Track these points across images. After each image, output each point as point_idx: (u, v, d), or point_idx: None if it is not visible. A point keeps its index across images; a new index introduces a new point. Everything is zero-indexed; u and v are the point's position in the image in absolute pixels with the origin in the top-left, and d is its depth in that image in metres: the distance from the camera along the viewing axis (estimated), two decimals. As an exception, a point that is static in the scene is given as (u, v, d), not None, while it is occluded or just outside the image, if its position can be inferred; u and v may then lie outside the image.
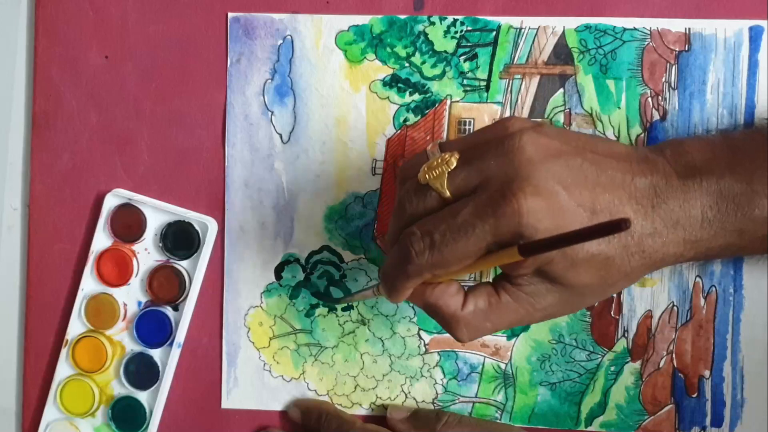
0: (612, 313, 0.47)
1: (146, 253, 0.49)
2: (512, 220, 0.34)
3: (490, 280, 0.39)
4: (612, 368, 0.47)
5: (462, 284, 0.39)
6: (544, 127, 0.38)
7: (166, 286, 0.48)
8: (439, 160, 0.37)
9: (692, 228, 0.38)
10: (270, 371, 0.49)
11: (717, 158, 0.39)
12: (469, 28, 0.47)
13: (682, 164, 0.39)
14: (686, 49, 0.46)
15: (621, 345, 0.47)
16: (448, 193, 0.36)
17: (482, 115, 0.47)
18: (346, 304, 0.48)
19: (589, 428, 0.47)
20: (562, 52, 0.46)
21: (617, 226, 0.29)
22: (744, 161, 0.38)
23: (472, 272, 0.37)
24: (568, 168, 0.36)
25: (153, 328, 0.48)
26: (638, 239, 0.37)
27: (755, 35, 0.45)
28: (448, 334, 0.47)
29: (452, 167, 0.36)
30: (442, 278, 0.38)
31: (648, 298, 0.46)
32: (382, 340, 0.48)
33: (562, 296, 0.38)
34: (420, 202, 0.37)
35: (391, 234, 0.39)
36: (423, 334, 0.48)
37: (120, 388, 0.49)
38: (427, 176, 0.37)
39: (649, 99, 0.46)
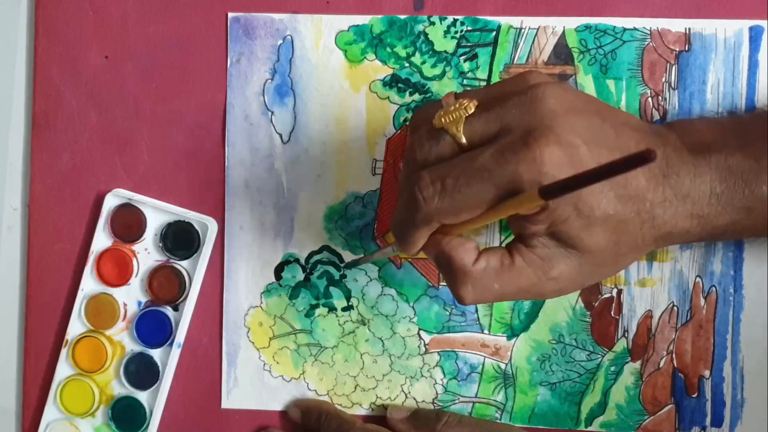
0: (612, 313, 0.47)
1: (146, 253, 0.49)
2: (532, 168, 0.34)
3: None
4: (612, 368, 0.47)
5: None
6: (565, 83, 0.37)
7: (166, 286, 0.48)
8: (457, 105, 0.36)
9: (701, 202, 0.38)
10: (270, 371, 0.49)
11: (726, 137, 0.39)
12: (469, 28, 0.47)
13: (692, 141, 0.39)
14: (686, 49, 0.46)
15: (621, 345, 0.47)
16: (464, 139, 0.36)
17: (482, 115, 0.47)
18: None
19: (589, 428, 0.47)
20: (562, 52, 0.46)
21: (644, 157, 0.28)
22: (753, 140, 0.39)
23: (483, 223, 0.36)
24: (588, 125, 0.36)
25: (153, 328, 0.48)
26: (650, 206, 0.37)
27: (755, 35, 0.45)
28: (448, 334, 0.47)
29: (470, 112, 0.36)
30: (455, 231, 0.37)
31: (648, 298, 0.46)
32: (382, 340, 0.48)
33: (574, 263, 0.37)
34: (432, 146, 0.36)
35: (402, 182, 0.38)
36: (423, 334, 0.48)
37: (120, 388, 0.49)
38: (443, 120, 0.36)
39: (649, 99, 0.46)
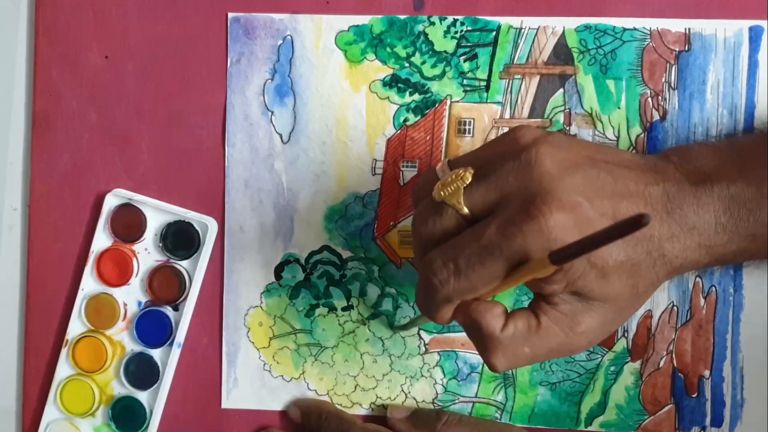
0: (612, 313, 0.47)
1: (146, 253, 0.49)
2: (540, 237, 0.34)
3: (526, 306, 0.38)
4: (612, 368, 0.47)
5: None
6: (555, 136, 0.37)
7: (166, 286, 0.48)
8: (453, 176, 0.36)
9: (707, 233, 0.38)
10: (270, 371, 0.49)
11: (725, 164, 0.39)
12: (469, 28, 0.47)
13: (691, 171, 0.38)
14: (686, 49, 0.46)
15: (621, 345, 0.47)
16: (465, 210, 0.36)
17: (482, 115, 0.47)
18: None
19: (589, 428, 0.47)
20: (562, 52, 0.46)
21: (638, 221, 0.28)
22: (752, 166, 0.38)
23: (501, 291, 0.37)
24: (586, 179, 0.36)
25: (153, 328, 0.48)
26: (658, 244, 0.37)
27: (755, 35, 0.45)
28: (448, 334, 0.47)
29: (467, 182, 0.36)
30: (481, 297, 0.37)
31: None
32: (382, 340, 0.48)
33: (599, 314, 0.37)
34: (437, 221, 0.36)
35: (416, 259, 0.39)
36: (423, 334, 0.48)
37: (120, 388, 0.49)
38: (442, 193, 0.36)
39: (649, 99, 0.46)
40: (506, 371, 0.38)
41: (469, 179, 0.36)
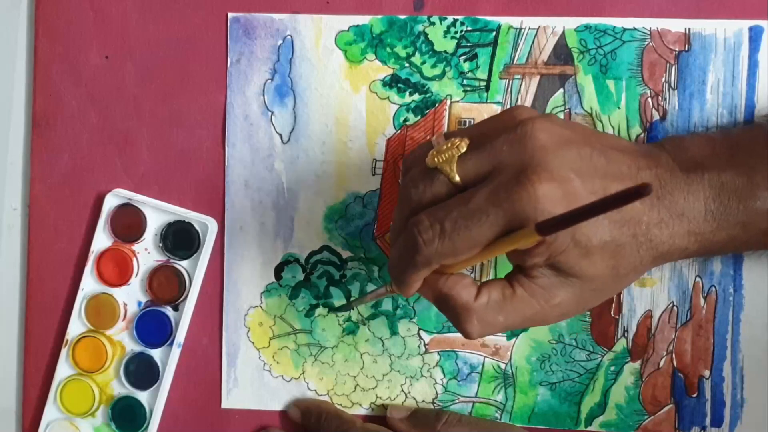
0: (612, 313, 0.47)
1: (146, 253, 0.49)
2: (528, 206, 0.34)
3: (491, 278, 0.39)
4: (612, 368, 0.47)
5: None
6: (552, 116, 0.38)
7: (166, 286, 0.48)
8: (449, 144, 0.36)
9: (696, 220, 0.38)
10: (270, 371, 0.49)
11: (717, 154, 0.39)
12: (469, 28, 0.47)
13: (684, 159, 0.39)
14: (686, 49, 0.46)
15: (621, 345, 0.47)
16: (457, 178, 0.36)
17: (482, 115, 0.47)
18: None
19: (589, 428, 0.47)
20: (562, 52, 0.46)
21: (639, 191, 0.28)
22: (744, 155, 0.39)
23: (480, 261, 0.37)
24: (579, 156, 0.36)
25: (153, 328, 0.48)
26: (646, 229, 0.37)
27: (755, 35, 0.45)
28: (448, 334, 0.47)
29: (462, 151, 0.36)
30: (451, 269, 0.38)
31: (648, 298, 0.46)
32: (382, 340, 0.48)
33: (576, 290, 0.37)
34: (427, 187, 0.37)
35: (397, 224, 0.39)
36: (423, 334, 0.48)
37: (120, 388, 0.49)
38: (435, 159, 0.36)
39: (649, 99, 0.46)
40: (480, 337, 0.39)
41: (464, 149, 0.36)
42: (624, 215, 0.36)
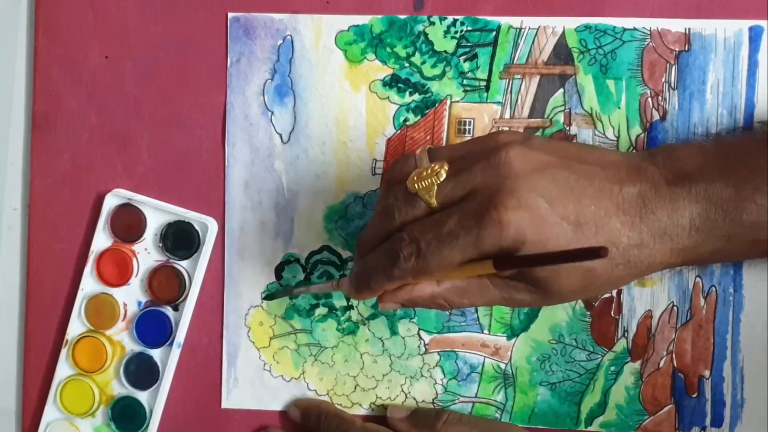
0: (612, 313, 0.47)
1: (146, 253, 0.49)
2: (494, 232, 0.35)
3: None
4: (612, 368, 0.47)
5: None
6: (534, 140, 0.38)
7: (166, 286, 0.48)
8: (429, 171, 0.37)
9: (679, 237, 0.38)
10: (270, 371, 0.49)
11: (709, 164, 0.39)
12: (469, 28, 0.47)
13: (673, 171, 0.39)
14: (686, 49, 0.46)
15: (621, 345, 0.47)
16: (435, 203, 0.37)
17: (482, 115, 0.47)
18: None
19: (589, 428, 0.47)
20: (562, 52, 0.46)
21: (594, 253, 0.30)
22: (735, 167, 0.39)
23: (452, 279, 0.39)
24: (553, 181, 0.37)
25: (153, 328, 0.48)
26: (623, 250, 0.38)
27: (755, 35, 0.45)
28: (448, 334, 0.48)
29: (441, 179, 0.37)
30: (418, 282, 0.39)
31: (648, 298, 0.46)
32: (382, 340, 0.48)
33: (541, 296, 0.39)
34: (409, 210, 0.38)
35: (372, 235, 0.40)
36: (423, 334, 0.48)
37: (120, 388, 0.49)
38: (416, 186, 0.38)
39: (649, 99, 0.46)
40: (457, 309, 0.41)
41: (444, 176, 0.37)
42: (599, 238, 0.37)
